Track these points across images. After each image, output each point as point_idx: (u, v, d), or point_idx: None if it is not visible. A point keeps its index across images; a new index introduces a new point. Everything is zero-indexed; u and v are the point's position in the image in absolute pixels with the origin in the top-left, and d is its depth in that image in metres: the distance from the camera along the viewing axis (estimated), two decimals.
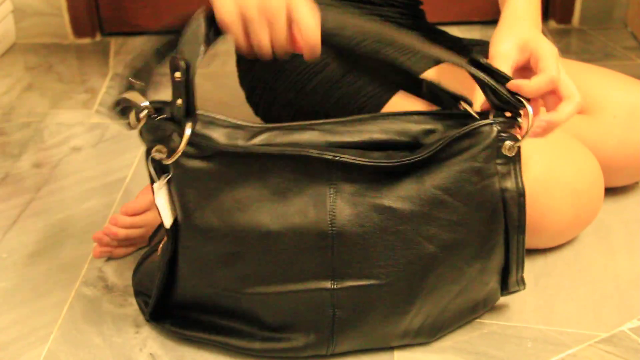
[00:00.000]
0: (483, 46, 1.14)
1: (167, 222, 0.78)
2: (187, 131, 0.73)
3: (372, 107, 1.04)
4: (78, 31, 1.77)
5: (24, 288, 0.98)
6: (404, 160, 0.74)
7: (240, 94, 1.22)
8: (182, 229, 0.79)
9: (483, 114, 0.79)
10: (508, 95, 0.75)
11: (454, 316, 0.84)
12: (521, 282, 0.86)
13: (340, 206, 0.74)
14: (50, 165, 1.26)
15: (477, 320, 0.89)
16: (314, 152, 0.73)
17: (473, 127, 0.75)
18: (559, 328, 0.88)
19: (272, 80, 1.11)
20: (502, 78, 0.76)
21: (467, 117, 0.79)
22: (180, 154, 0.74)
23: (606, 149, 1.04)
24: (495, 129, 0.76)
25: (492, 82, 0.76)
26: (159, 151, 0.75)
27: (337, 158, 0.73)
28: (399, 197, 0.75)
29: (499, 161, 0.77)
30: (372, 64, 1.02)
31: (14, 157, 1.29)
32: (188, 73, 0.71)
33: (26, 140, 1.35)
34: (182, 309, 0.86)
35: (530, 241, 0.97)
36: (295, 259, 0.75)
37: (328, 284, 0.76)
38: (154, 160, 0.76)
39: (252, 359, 0.83)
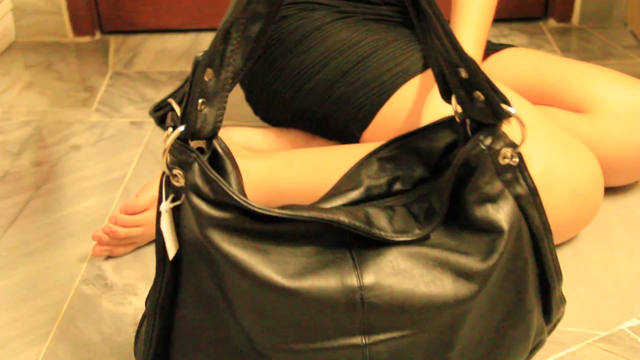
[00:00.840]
0: None
1: (170, 251, 0.66)
2: (178, 130, 0.62)
3: (371, 107, 1.04)
4: (78, 30, 1.77)
5: (24, 286, 0.98)
6: (420, 234, 0.67)
7: (240, 93, 1.22)
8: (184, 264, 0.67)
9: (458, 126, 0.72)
10: (497, 100, 0.66)
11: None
12: (563, 299, 0.77)
13: (365, 262, 0.66)
14: (49, 164, 1.26)
15: None
16: (341, 218, 0.64)
17: (463, 158, 0.67)
18: (558, 327, 0.88)
19: (271, 81, 1.11)
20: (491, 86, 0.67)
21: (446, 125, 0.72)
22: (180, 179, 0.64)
23: (606, 148, 1.04)
24: (483, 146, 0.67)
25: (488, 85, 0.65)
26: (176, 176, 0.64)
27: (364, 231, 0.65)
28: (424, 243, 0.68)
29: (501, 174, 0.68)
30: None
31: (14, 155, 1.29)
32: (194, 69, 0.61)
33: (26, 139, 1.35)
34: None
35: None
36: (319, 318, 0.65)
37: (359, 340, 0.66)
38: (168, 181, 0.66)
39: None
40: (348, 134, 1.08)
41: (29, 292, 0.97)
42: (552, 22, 1.77)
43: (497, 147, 0.67)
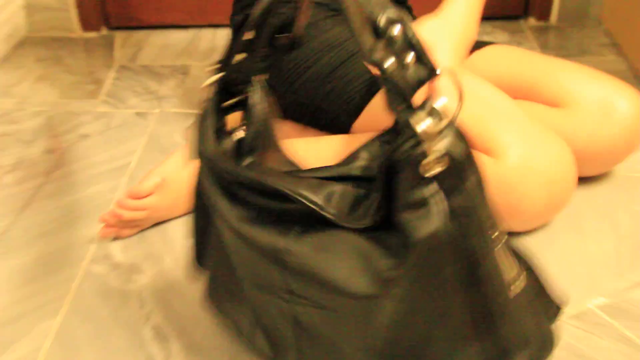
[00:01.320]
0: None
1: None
2: (215, 76, 0.69)
3: (360, 100, 1.06)
4: (85, 25, 1.78)
5: (37, 265, 1.00)
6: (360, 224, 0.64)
7: None
8: None
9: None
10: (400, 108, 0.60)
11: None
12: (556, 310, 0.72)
13: (309, 231, 0.66)
14: (60, 151, 1.28)
15: None
16: (292, 189, 0.65)
17: (387, 163, 0.61)
18: None
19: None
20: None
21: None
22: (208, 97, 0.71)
23: (579, 141, 1.05)
24: (401, 152, 0.59)
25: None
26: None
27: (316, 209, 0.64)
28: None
29: (440, 180, 0.59)
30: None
31: (27, 144, 1.32)
32: (236, 30, 0.66)
33: (38, 128, 1.37)
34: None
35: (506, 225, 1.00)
36: (263, 266, 0.68)
37: (288, 296, 0.68)
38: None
39: None
40: (339, 125, 1.09)
41: (42, 270, 0.99)
42: (532, 21, 1.77)
43: (421, 152, 0.58)
